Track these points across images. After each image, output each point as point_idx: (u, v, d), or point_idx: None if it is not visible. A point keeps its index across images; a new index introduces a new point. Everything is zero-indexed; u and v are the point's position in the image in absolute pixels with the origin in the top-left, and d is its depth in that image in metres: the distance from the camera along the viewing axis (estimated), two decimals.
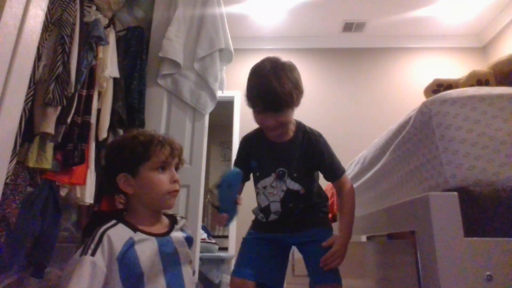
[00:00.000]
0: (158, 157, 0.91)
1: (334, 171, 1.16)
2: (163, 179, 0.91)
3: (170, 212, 1.02)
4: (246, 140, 1.23)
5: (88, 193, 1.69)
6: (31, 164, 1.39)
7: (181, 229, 1.01)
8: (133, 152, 0.90)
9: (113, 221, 0.88)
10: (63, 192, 1.62)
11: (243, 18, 3.45)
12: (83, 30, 1.65)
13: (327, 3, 3.26)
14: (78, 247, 1.85)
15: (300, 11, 3.35)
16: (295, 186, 1.13)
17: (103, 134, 1.78)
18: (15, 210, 1.31)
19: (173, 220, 1.01)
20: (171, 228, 0.97)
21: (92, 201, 1.74)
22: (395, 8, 3.31)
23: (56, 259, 1.67)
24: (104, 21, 1.95)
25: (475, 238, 0.77)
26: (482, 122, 0.92)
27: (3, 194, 1.17)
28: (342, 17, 3.45)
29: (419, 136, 1.03)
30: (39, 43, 1.24)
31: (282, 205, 1.14)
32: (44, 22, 1.25)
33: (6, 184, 1.16)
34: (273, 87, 0.98)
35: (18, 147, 1.23)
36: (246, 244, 1.19)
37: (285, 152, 1.14)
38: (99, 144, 1.81)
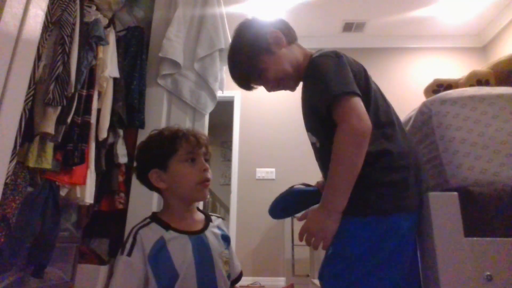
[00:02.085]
0: (185, 148, 0.93)
1: (320, 96, 0.78)
2: (192, 170, 0.94)
3: (208, 212, 1.04)
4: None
5: (88, 193, 1.69)
6: (31, 164, 1.39)
7: (218, 227, 1.01)
8: (161, 147, 0.93)
9: (147, 220, 0.92)
10: (63, 192, 1.62)
11: (243, 18, 3.45)
12: (83, 30, 1.65)
13: (327, 3, 3.26)
14: (78, 247, 1.85)
15: (300, 11, 3.35)
16: (311, 138, 0.92)
17: (103, 134, 1.78)
18: (15, 210, 1.31)
19: (209, 218, 1.01)
20: (206, 226, 0.97)
21: (92, 201, 1.74)
22: (395, 8, 3.31)
23: (56, 259, 1.67)
24: (104, 21, 1.95)
25: (475, 238, 0.77)
26: (482, 122, 0.92)
27: (3, 194, 1.17)
28: (342, 17, 3.45)
29: (419, 136, 1.03)
30: (39, 43, 1.24)
31: (319, 163, 0.92)
32: (44, 22, 1.25)
33: (6, 184, 1.16)
34: (234, 75, 1.00)
35: (18, 147, 1.22)
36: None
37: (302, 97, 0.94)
38: (99, 144, 1.81)
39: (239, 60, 0.97)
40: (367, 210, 0.74)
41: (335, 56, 0.82)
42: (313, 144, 0.92)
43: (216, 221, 1.03)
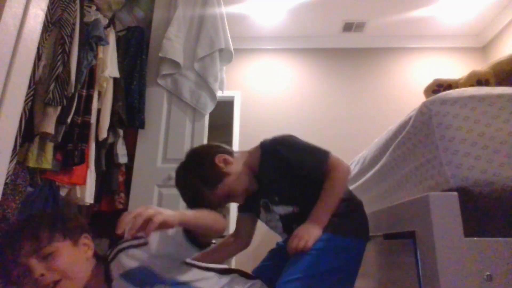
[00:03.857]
0: None
1: (311, 163, 0.99)
2: None
3: None
4: None
5: (88, 193, 1.69)
6: (31, 164, 1.39)
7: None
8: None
9: None
10: (63, 192, 1.62)
11: (243, 18, 3.45)
12: (83, 30, 1.65)
13: (327, 3, 3.26)
14: None
15: (300, 11, 3.35)
16: (284, 209, 1.03)
17: (103, 134, 1.78)
18: (15, 210, 1.31)
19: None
20: None
21: (92, 201, 1.74)
22: (395, 8, 3.31)
23: None
24: (104, 21, 1.95)
25: (475, 238, 0.77)
26: (482, 122, 0.92)
27: (3, 194, 1.17)
28: (342, 17, 3.45)
29: (419, 136, 1.03)
30: (39, 43, 1.24)
31: (288, 231, 1.05)
32: (44, 22, 1.25)
33: (6, 184, 1.16)
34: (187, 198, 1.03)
35: (18, 147, 1.22)
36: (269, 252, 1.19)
37: (259, 182, 1.07)
38: (99, 144, 1.81)
39: (201, 196, 1.00)
40: (345, 230, 0.96)
41: (294, 136, 1.08)
42: (287, 215, 1.03)
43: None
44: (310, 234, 0.90)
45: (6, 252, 0.77)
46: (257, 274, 1.09)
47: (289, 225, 1.05)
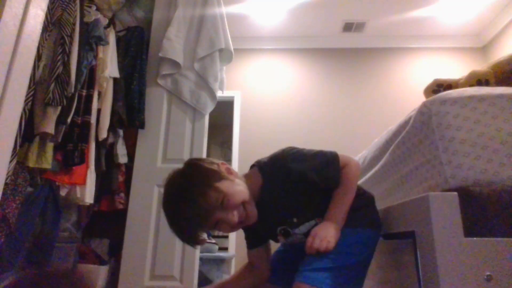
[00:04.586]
0: None
1: (325, 171, 0.93)
2: None
3: None
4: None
5: (88, 193, 1.69)
6: (31, 164, 1.39)
7: None
8: None
9: None
10: (63, 192, 1.63)
11: (243, 18, 3.45)
12: (83, 30, 1.65)
13: (327, 3, 3.26)
14: (78, 247, 1.85)
15: (300, 11, 3.35)
16: (307, 227, 0.96)
17: (103, 134, 1.78)
18: (15, 210, 1.31)
19: None
20: None
21: (92, 201, 1.74)
22: (395, 8, 3.31)
23: (56, 259, 1.67)
24: (104, 21, 1.95)
25: (475, 238, 0.77)
26: (482, 122, 0.92)
27: (3, 194, 1.17)
28: (342, 17, 3.45)
29: (419, 136, 1.03)
30: (39, 43, 1.24)
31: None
32: (44, 22, 1.25)
33: (6, 184, 1.16)
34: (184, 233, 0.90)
35: (18, 147, 1.23)
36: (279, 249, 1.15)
37: (268, 210, 0.95)
38: (99, 144, 1.81)
39: (197, 194, 0.85)
40: (363, 223, 0.96)
41: (293, 147, 0.99)
42: (311, 228, 0.92)
43: None
44: (330, 234, 0.86)
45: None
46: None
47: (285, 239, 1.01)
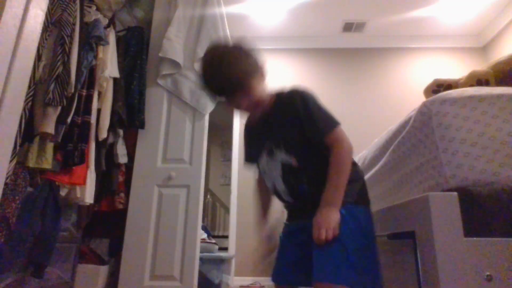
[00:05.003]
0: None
1: (316, 125, 0.99)
2: None
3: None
4: (244, 130, 1.28)
5: (88, 193, 1.69)
6: (31, 164, 1.39)
7: None
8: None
9: None
10: (63, 192, 1.62)
11: (243, 18, 3.45)
12: (83, 30, 1.65)
13: (327, 3, 3.26)
14: (78, 247, 1.85)
15: (300, 11, 3.35)
16: (285, 157, 1.03)
17: (103, 134, 1.78)
18: (15, 210, 1.31)
19: None
20: None
21: (92, 201, 1.74)
22: (395, 8, 3.31)
23: (56, 259, 1.67)
24: (104, 21, 1.95)
25: (475, 238, 0.77)
26: (482, 122, 0.92)
27: (3, 194, 1.17)
28: (342, 17, 3.45)
29: (419, 136, 1.03)
30: (39, 43, 1.24)
31: (285, 182, 1.05)
32: (44, 22, 1.25)
33: (6, 184, 1.16)
34: (212, 75, 1.02)
35: (18, 147, 1.22)
36: (279, 246, 1.16)
37: (267, 124, 1.08)
38: (99, 144, 1.81)
39: (234, 66, 1.00)
40: (351, 199, 0.98)
41: (314, 94, 1.06)
42: (287, 164, 1.03)
43: None
44: (331, 220, 0.90)
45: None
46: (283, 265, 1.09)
47: (287, 177, 1.05)
